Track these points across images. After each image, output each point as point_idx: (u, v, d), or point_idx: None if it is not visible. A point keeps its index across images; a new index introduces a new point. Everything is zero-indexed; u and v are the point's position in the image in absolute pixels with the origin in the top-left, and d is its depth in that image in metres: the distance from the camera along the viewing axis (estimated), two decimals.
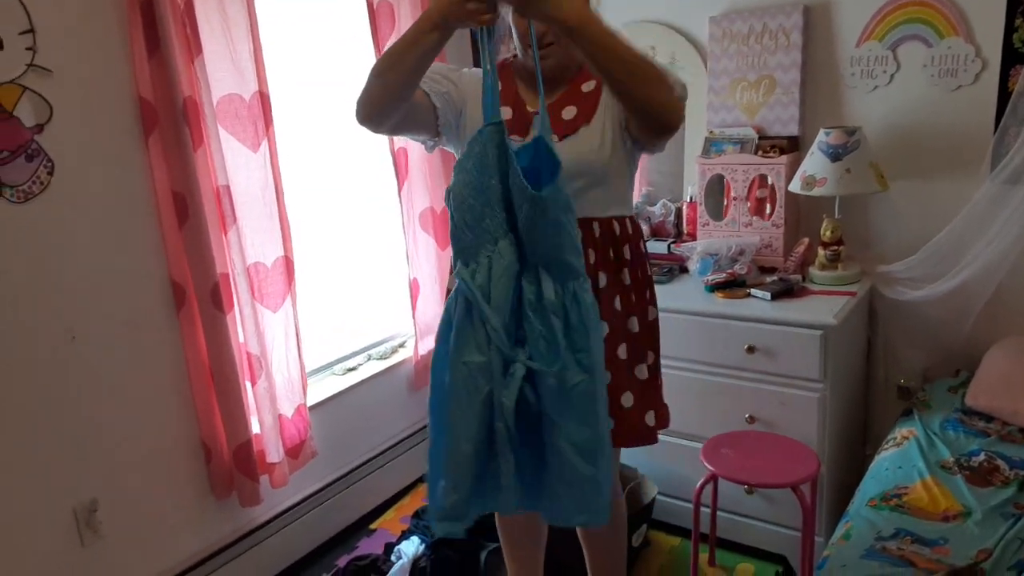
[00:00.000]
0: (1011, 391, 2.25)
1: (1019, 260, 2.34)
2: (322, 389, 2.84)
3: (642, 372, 1.81)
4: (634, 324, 1.79)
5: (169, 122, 2.14)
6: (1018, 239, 2.29)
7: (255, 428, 2.43)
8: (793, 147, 2.69)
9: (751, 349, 2.40)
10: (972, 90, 2.42)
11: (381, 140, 1.69)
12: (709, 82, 2.82)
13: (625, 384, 1.77)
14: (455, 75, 1.76)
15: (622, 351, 1.76)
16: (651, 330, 1.86)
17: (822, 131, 2.50)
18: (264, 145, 2.35)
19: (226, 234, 2.28)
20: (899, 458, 2.15)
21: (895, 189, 2.55)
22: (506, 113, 1.71)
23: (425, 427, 1.75)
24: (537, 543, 2.15)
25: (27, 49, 1.89)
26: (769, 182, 2.66)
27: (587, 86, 1.73)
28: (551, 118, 1.66)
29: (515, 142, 1.61)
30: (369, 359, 3.07)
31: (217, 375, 2.32)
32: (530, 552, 2.15)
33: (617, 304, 1.76)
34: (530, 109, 1.73)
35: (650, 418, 1.82)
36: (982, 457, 2.09)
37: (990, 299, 2.43)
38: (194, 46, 2.13)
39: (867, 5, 2.51)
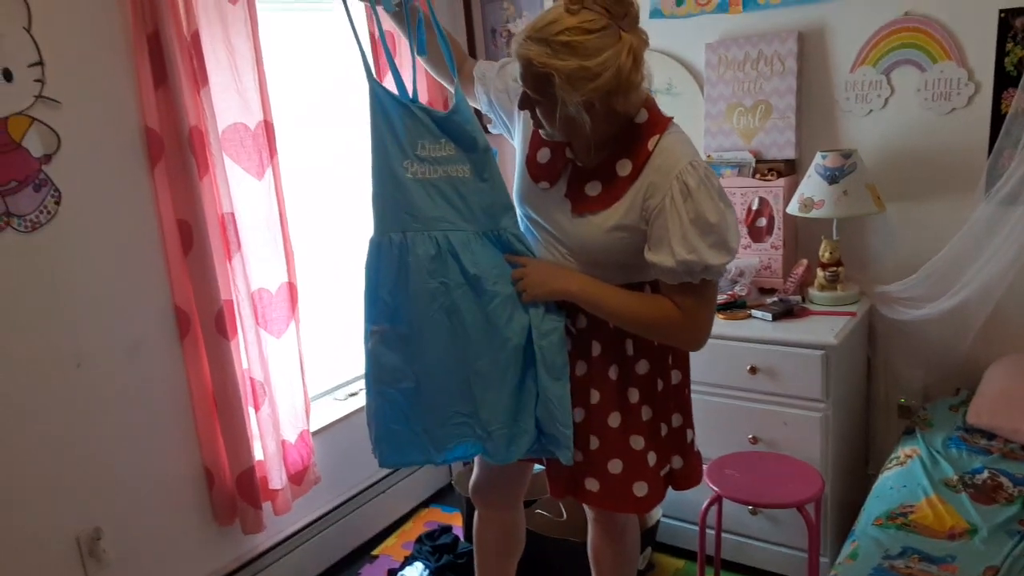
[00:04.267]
0: (1011, 409, 2.26)
1: (1016, 279, 2.36)
2: (324, 414, 2.84)
3: (638, 443, 1.74)
4: (633, 395, 1.73)
5: (175, 151, 2.16)
6: (1015, 259, 2.31)
7: (258, 454, 2.43)
8: (790, 170, 2.72)
9: (753, 370, 2.41)
10: (966, 113, 2.46)
11: None
12: (706, 107, 2.85)
13: (614, 452, 1.73)
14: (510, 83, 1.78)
15: (614, 419, 1.72)
16: (666, 398, 1.79)
17: (819, 154, 2.53)
18: (268, 173, 2.38)
19: (230, 261, 2.29)
20: (903, 477, 2.16)
21: (892, 210, 2.58)
22: (544, 156, 1.69)
23: None
24: (512, 554, 2.10)
25: (36, 81, 1.92)
26: (764, 205, 2.69)
27: (622, 167, 1.58)
28: (575, 184, 1.65)
29: (543, 188, 1.68)
30: None
31: (220, 401, 2.32)
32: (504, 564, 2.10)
33: (612, 373, 1.73)
34: (568, 155, 1.66)
35: (639, 489, 1.74)
36: (986, 475, 2.09)
37: (988, 318, 2.44)
38: (200, 77, 2.17)
39: (861, 31, 2.56)
